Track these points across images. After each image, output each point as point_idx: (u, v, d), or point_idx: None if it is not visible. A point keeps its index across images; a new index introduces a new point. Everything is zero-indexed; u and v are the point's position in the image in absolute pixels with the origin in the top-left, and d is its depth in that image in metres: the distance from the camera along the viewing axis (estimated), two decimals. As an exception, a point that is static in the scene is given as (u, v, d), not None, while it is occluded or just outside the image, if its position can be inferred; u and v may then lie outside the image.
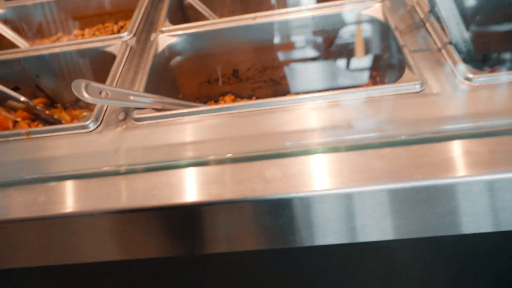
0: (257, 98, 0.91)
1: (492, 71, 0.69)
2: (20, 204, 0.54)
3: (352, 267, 0.62)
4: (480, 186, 0.48)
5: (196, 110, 0.62)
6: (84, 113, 0.90)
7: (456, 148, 0.50)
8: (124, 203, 0.52)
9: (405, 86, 0.59)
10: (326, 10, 0.81)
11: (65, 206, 0.53)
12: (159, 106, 0.66)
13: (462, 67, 0.60)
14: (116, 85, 0.73)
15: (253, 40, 0.84)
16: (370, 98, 0.59)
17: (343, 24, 0.82)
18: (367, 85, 0.85)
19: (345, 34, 0.83)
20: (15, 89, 0.89)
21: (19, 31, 1.06)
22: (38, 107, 0.86)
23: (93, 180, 0.55)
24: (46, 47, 0.88)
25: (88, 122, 0.64)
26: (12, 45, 0.95)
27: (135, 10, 0.95)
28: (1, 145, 0.64)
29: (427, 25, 0.71)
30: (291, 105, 0.60)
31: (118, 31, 1.07)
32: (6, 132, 0.65)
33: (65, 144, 0.62)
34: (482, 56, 0.81)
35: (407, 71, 0.62)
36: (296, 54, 0.87)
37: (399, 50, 0.68)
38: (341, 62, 0.86)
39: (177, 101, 0.69)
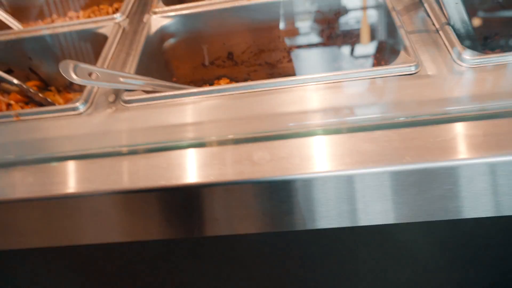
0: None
1: (492, 53, 0.67)
2: (8, 186, 0.54)
3: (344, 252, 0.62)
4: (474, 170, 0.47)
5: (186, 92, 0.61)
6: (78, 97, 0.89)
7: (450, 131, 0.49)
8: (111, 184, 0.51)
9: (399, 67, 0.58)
10: (323, -10, 0.79)
11: (53, 188, 0.53)
12: (149, 89, 0.65)
13: (458, 48, 0.58)
14: (107, 66, 0.72)
15: (248, 21, 0.82)
16: (363, 80, 0.57)
17: (340, 4, 0.80)
18: (362, 67, 0.83)
19: (342, 16, 0.81)
20: (8, 71, 0.88)
21: (13, 14, 1.04)
22: (31, 90, 0.86)
23: (80, 161, 0.55)
24: (38, 29, 0.86)
25: (77, 104, 0.63)
26: (5, 27, 0.94)
27: (129, -9, 0.93)
28: (-9, 127, 0.63)
29: (426, 5, 0.69)
30: (283, 87, 0.59)
31: (113, 13, 1.05)
32: (-4, 114, 0.65)
33: (55, 126, 0.61)
34: (483, 38, 0.78)
35: (402, 53, 0.61)
36: (292, 36, 0.85)
37: (396, 31, 0.66)
38: (338, 44, 0.84)
39: (168, 84, 0.68)
